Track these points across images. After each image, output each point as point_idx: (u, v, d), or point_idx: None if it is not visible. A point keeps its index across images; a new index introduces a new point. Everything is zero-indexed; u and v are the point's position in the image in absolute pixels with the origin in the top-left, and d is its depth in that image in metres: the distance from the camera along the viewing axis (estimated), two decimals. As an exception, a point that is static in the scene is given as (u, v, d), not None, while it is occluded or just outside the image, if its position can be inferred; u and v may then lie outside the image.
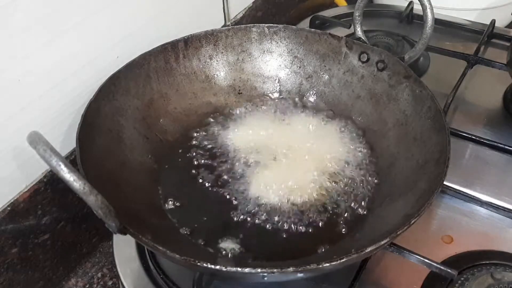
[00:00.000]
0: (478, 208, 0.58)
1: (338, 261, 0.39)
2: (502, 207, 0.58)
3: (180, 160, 0.58)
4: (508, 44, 0.77)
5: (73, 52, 0.52)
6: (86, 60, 0.54)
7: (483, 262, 0.52)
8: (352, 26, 0.64)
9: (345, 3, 1.01)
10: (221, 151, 0.59)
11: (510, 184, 0.61)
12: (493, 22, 0.83)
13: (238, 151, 0.59)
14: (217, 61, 0.65)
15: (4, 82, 0.46)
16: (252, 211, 0.52)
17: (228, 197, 0.54)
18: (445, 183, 0.52)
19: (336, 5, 1.01)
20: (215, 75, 0.65)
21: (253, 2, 0.81)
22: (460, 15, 0.89)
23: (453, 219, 0.57)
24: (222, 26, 0.76)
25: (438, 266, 0.48)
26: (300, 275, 0.43)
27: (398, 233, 0.41)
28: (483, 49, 0.82)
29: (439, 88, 0.66)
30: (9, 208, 0.50)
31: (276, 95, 0.67)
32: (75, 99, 0.55)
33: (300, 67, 0.66)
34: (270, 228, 0.51)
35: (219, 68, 0.65)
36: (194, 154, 0.59)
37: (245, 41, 0.65)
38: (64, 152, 0.56)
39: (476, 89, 0.75)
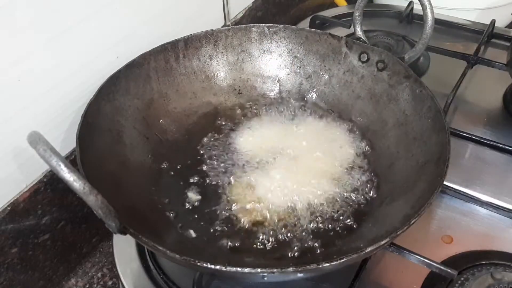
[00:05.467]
0: (478, 208, 0.58)
1: (338, 261, 0.39)
2: (502, 207, 0.58)
3: (180, 160, 0.58)
4: (508, 44, 0.77)
5: (73, 52, 0.52)
6: (86, 60, 0.54)
7: (483, 262, 0.52)
8: (352, 26, 0.64)
9: (345, 3, 1.01)
10: (222, 152, 0.59)
11: (510, 184, 0.61)
12: (493, 22, 0.83)
13: (240, 152, 0.59)
14: (217, 61, 0.65)
15: (4, 82, 0.46)
16: (254, 213, 0.52)
17: (229, 199, 0.54)
18: (445, 183, 0.52)
19: (336, 5, 1.01)
20: (215, 75, 0.65)
21: (253, 2, 0.81)
22: (460, 15, 0.89)
23: (453, 219, 0.57)
24: (222, 26, 0.76)
25: (438, 266, 0.48)
26: (300, 275, 0.43)
27: (398, 233, 0.41)
28: (483, 49, 0.82)
29: (439, 88, 0.66)
30: (9, 208, 0.50)
31: (276, 95, 0.67)
32: (75, 99, 0.55)
33: (300, 67, 0.66)
34: (272, 229, 0.51)
35: (219, 68, 0.65)
36: (194, 154, 0.59)
37: (245, 41, 0.65)
38: (64, 152, 0.56)
39: (476, 89, 0.75)
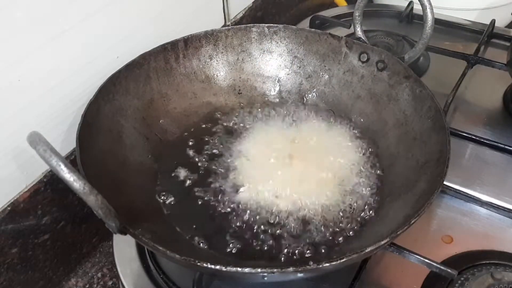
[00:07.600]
0: (478, 208, 0.59)
1: (338, 261, 0.39)
2: (502, 207, 0.58)
3: (180, 160, 0.58)
4: (508, 44, 0.77)
5: (73, 52, 0.52)
6: (86, 60, 0.54)
7: (483, 262, 0.52)
8: (352, 26, 0.64)
9: (345, 3, 1.01)
10: (222, 153, 0.59)
11: (510, 184, 0.61)
12: (493, 22, 0.83)
13: (240, 153, 0.59)
14: (217, 61, 0.65)
15: (4, 82, 0.46)
16: (254, 214, 0.52)
17: (229, 200, 0.54)
18: (445, 183, 0.52)
19: (336, 5, 1.01)
20: (215, 75, 0.65)
21: (253, 2, 0.81)
22: (460, 15, 0.89)
23: (453, 219, 0.57)
24: (222, 26, 0.76)
25: (438, 266, 0.48)
26: (300, 275, 0.43)
27: (398, 233, 0.41)
28: (483, 49, 0.82)
29: (439, 88, 0.66)
30: (9, 208, 0.50)
31: (276, 95, 0.67)
32: (75, 99, 0.55)
33: (300, 67, 0.66)
34: (271, 230, 0.51)
35: (219, 68, 0.65)
36: (194, 154, 0.59)
37: (245, 41, 0.65)
38: (64, 152, 0.56)
39: (476, 89, 0.75)
